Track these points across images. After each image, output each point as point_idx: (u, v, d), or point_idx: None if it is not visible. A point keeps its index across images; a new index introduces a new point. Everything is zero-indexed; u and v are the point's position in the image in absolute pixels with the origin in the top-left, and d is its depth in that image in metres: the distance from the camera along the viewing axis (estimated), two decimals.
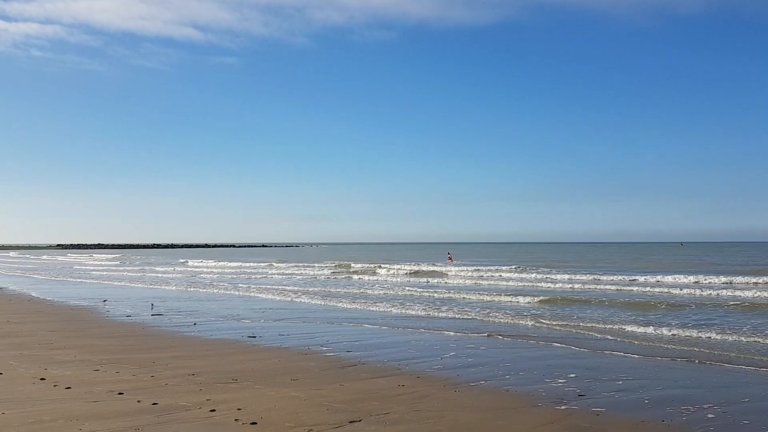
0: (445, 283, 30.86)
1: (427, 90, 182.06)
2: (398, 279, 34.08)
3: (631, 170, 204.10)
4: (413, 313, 17.97)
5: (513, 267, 41.61)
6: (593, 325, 15.09)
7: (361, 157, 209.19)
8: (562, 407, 7.47)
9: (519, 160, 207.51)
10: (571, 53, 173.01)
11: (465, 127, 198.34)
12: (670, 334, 13.52)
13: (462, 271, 39.28)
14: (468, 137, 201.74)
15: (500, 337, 13.48)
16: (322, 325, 15.64)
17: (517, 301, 20.33)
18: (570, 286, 26.34)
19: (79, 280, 36.74)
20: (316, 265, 50.54)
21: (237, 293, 25.73)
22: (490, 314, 17.38)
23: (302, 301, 21.97)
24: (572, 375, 9.33)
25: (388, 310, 18.75)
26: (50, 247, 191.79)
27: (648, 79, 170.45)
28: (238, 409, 7.15)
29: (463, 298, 22.09)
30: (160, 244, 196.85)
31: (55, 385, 8.33)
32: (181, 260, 67.08)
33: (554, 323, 15.35)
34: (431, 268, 41.96)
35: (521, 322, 15.80)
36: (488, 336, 13.61)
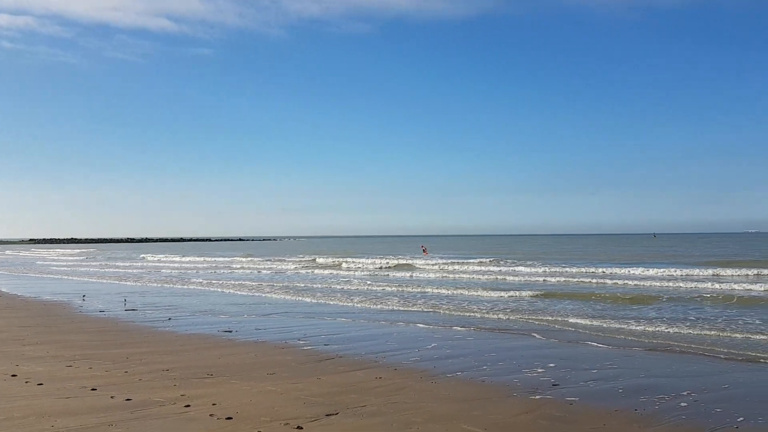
0: (411, 276, 30.53)
1: (405, 83, 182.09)
2: (365, 273, 33.62)
3: (606, 163, 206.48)
4: (386, 307, 18.01)
5: (488, 260, 41.73)
6: (568, 317, 15.25)
7: (340, 150, 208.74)
8: (537, 397, 7.54)
9: (498, 153, 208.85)
10: (550, 46, 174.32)
11: (444, 120, 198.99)
12: (643, 326, 13.69)
13: (435, 264, 39.49)
14: (447, 130, 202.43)
15: (476, 329, 13.56)
16: (300, 319, 15.59)
17: (491, 295, 20.21)
18: (545, 279, 26.49)
19: (38, 275, 36.15)
20: (286, 259, 50.35)
21: (202, 288, 25.56)
22: (465, 307, 17.48)
23: (268, 296, 21.88)
24: (547, 365, 9.42)
25: (359, 304, 18.75)
26: (22, 241, 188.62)
27: (625, 72, 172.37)
28: (213, 404, 7.10)
29: (437, 291, 22.03)
30: (134, 239, 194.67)
31: (26, 382, 8.21)
32: (143, 255, 66.06)
33: (529, 316, 15.48)
34: (402, 262, 41.69)
35: (495, 315, 15.91)
36: (464, 328, 13.69)
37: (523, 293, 20.30)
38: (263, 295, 22.12)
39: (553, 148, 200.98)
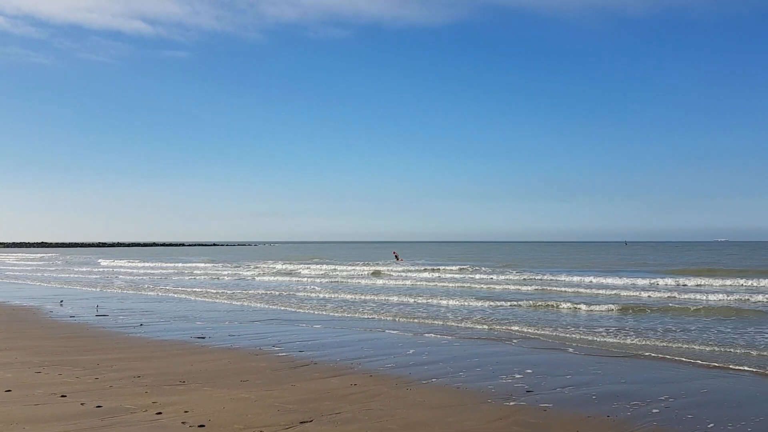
0: (382, 284, 29.91)
1: (382, 88, 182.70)
2: (329, 281, 32.89)
3: (578, 171, 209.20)
4: (362, 316, 17.98)
5: (460, 267, 41.51)
6: (542, 327, 15.35)
7: (318, 154, 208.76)
8: (511, 403, 7.57)
9: (470, 159, 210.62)
10: (523, 55, 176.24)
11: (418, 125, 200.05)
12: (617, 335, 13.84)
13: (407, 270, 39.56)
14: (422, 134, 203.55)
15: (452, 336, 13.59)
16: (274, 325, 15.48)
17: (469, 304, 20.10)
18: (519, 287, 26.62)
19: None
20: (251, 264, 50.00)
21: (155, 294, 25.28)
22: (440, 315, 17.52)
23: (222, 302, 21.73)
24: (522, 372, 9.46)
25: (332, 312, 18.69)
26: None
27: (596, 81, 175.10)
28: (186, 412, 7.00)
29: (412, 300, 22.00)
30: (105, 243, 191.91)
31: None
32: (99, 260, 65.03)
33: (502, 327, 15.56)
34: (375, 268, 41.37)
35: (471, 324, 15.96)
36: (440, 336, 13.71)
37: (500, 302, 20.35)
38: (215, 301, 21.93)
39: (525, 155, 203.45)
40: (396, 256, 61.23)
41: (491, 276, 33.37)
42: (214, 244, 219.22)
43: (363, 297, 22.60)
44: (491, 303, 20.02)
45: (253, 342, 12.57)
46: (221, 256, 78.09)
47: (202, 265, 50.96)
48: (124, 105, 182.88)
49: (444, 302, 20.44)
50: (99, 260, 65.01)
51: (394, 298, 21.76)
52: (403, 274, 36.75)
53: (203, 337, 13.20)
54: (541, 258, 65.22)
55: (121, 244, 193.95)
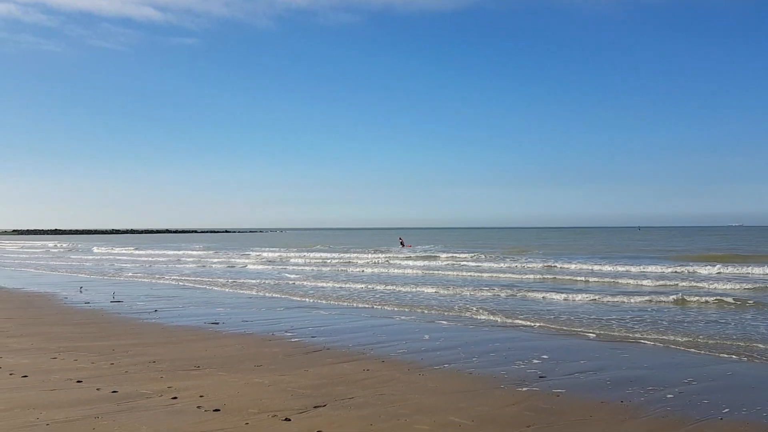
0: (361, 271, 29.74)
1: (392, 74, 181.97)
2: (325, 268, 32.51)
3: (591, 156, 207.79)
4: (374, 306, 18.01)
5: (473, 254, 40.96)
6: (555, 312, 15.33)
7: (330, 142, 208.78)
8: (524, 389, 7.58)
9: (482, 146, 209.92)
10: (537, 40, 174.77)
11: (430, 112, 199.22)
12: (632, 323, 13.80)
13: (415, 256, 39.56)
14: (433, 122, 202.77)
15: (463, 324, 13.60)
16: (288, 311, 15.56)
17: (484, 294, 19.39)
18: (533, 275, 26.35)
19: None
20: (252, 252, 49.94)
21: (145, 280, 25.47)
22: (451, 304, 17.52)
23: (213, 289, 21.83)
24: (535, 358, 9.46)
25: (345, 303, 18.72)
26: (5, 232, 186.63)
27: (612, 66, 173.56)
28: (201, 396, 7.07)
29: (423, 290, 21.87)
30: (119, 230, 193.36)
31: (11, 374, 8.12)
32: (94, 248, 65.26)
33: (515, 314, 15.54)
34: (380, 256, 40.93)
35: (487, 316, 15.95)
36: (452, 323, 13.73)
37: (513, 290, 20.19)
38: (224, 290, 22.05)
39: (537, 141, 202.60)
40: (402, 242, 61.16)
41: (503, 263, 33.16)
42: (226, 231, 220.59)
43: (370, 286, 22.39)
44: (505, 291, 19.93)
45: (266, 328, 12.65)
46: (224, 243, 78.43)
47: (196, 252, 51.33)
48: (135, 92, 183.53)
49: (455, 291, 20.18)
50: (94, 248, 65.32)
51: (402, 288, 21.23)
52: (411, 262, 35.81)
53: (217, 323, 13.28)
54: (555, 244, 64.98)
55: (134, 231, 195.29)
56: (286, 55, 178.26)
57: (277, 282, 23.72)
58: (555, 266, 30.01)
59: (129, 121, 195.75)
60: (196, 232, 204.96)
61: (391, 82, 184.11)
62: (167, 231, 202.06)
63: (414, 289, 20.60)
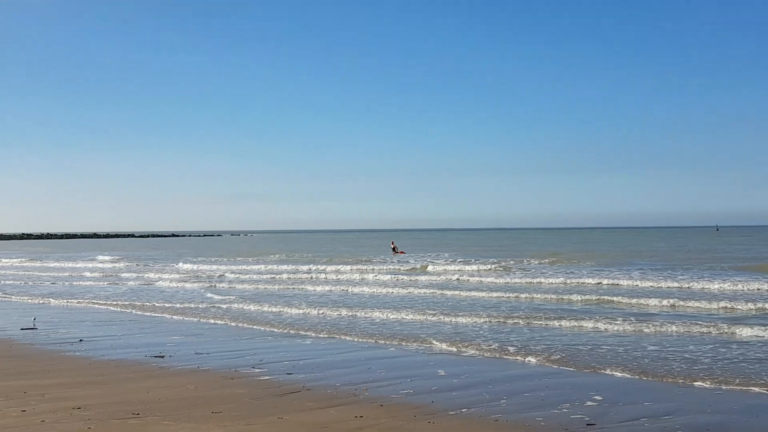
0: (328, 291, 29.92)
1: (390, 36, 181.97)
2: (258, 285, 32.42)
3: (649, 136, 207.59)
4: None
5: (491, 265, 40.29)
6: (600, 341, 15.37)
7: (312, 119, 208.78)
8: None
9: (507, 124, 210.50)
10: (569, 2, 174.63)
11: (438, 81, 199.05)
12: (709, 358, 13.83)
13: (398, 272, 39.37)
14: (441, 93, 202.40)
15: (486, 355, 13.62)
16: (253, 341, 15.62)
17: (506, 322, 18.81)
18: (579, 296, 25.15)
19: None
20: (178, 264, 49.69)
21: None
22: (468, 333, 17.55)
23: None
24: (582, 399, 9.46)
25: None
26: None
27: (671, 27, 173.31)
28: None
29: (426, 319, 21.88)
30: (31, 234, 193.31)
31: None
32: None
33: (548, 341, 15.58)
34: (332, 268, 40.98)
35: (516, 347, 15.99)
36: (471, 351, 13.75)
37: (553, 318, 20.06)
38: (172, 317, 22.06)
39: (566, 118, 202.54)
40: (394, 248, 61.00)
41: (538, 278, 32.34)
42: (173, 235, 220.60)
43: (342, 311, 22.47)
44: (544, 316, 19.91)
45: (226, 362, 12.64)
46: (158, 251, 78.24)
47: (104, 265, 51.66)
48: (58, 57, 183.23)
49: (473, 320, 19.80)
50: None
51: (394, 315, 20.68)
52: (407, 277, 35.05)
53: (162, 356, 13.31)
54: (602, 250, 64.89)
55: (52, 235, 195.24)
56: (258, 5, 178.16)
57: (198, 306, 23.86)
58: (618, 284, 28.82)
59: (51, 94, 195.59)
60: (133, 236, 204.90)
61: (388, 45, 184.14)
62: (95, 235, 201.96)
63: (403, 316, 20.59)
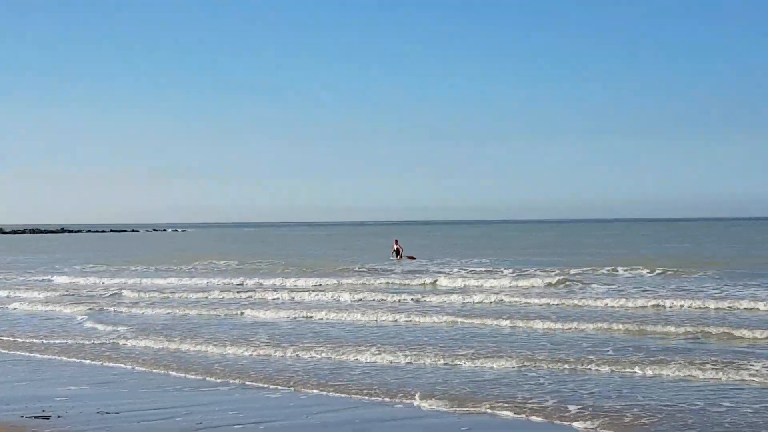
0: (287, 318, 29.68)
1: None
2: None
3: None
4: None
5: (550, 280, 39.38)
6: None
7: (273, 63, 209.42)
8: None
9: (542, 74, 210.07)
10: None
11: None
12: None
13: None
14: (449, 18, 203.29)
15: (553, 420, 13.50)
16: (184, 394, 15.69)
17: (585, 369, 18.19)
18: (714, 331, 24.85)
19: None
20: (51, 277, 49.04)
21: None
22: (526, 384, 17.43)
23: None
24: None
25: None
26: None
27: None
28: None
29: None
30: None
31: None
32: None
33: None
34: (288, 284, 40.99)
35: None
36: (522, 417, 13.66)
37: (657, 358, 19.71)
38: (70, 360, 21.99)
39: (643, 64, 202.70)
40: (397, 250, 59.03)
41: (621, 297, 32.09)
42: (63, 230, 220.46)
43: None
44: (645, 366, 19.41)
45: (147, 425, 12.65)
46: (6, 258, 77.76)
47: None
48: None
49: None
50: None
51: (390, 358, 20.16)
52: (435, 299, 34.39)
53: (48, 417, 13.27)
54: (698, 252, 64.49)
55: None
56: None
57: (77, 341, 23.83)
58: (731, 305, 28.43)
59: None
60: (3, 232, 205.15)
61: None
62: None
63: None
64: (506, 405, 14.11)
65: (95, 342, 23.31)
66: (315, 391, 15.90)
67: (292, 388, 16.23)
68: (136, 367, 18.89)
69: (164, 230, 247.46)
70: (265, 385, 16.53)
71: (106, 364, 19.50)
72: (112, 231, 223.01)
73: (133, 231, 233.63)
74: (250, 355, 20.80)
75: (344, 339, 23.00)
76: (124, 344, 22.80)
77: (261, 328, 25.72)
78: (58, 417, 13.24)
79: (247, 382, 16.87)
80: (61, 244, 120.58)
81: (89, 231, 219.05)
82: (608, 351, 19.57)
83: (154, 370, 18.46)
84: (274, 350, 21.21)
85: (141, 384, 16.62)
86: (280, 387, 16.37)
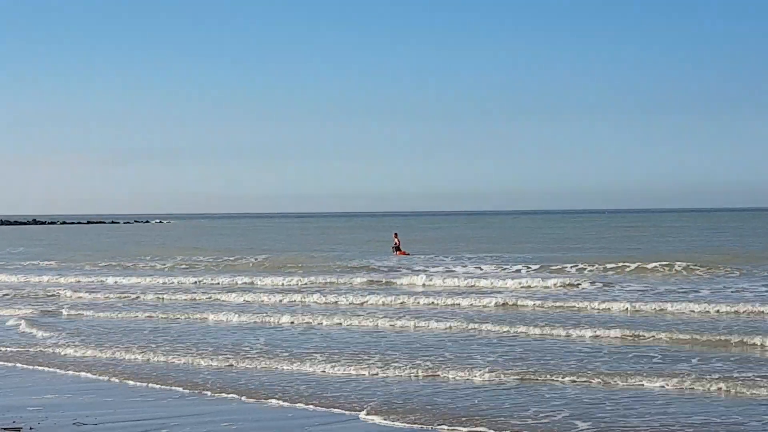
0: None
1: None
2: None
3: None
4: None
5: (572, 276, 38.70)
6: None
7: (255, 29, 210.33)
8: None
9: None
10: None
11: None
12: None
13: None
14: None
15: None
16: (169, 404, 15.47)
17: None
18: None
19: None
20: None
21: None
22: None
23: None
24: None
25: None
26: None
27: None
28: None
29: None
30: None
31: None
32: None
33: None
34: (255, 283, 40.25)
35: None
36: None
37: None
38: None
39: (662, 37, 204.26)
40: (397, 245, 59.60)
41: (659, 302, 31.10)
42: (34, 221, 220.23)
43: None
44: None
45: None
46: None
47: None
48: None
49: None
50: None
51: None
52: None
53: (19, 429, 13.06)
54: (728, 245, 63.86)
55: None
56: None
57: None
58: None
59: None
60: None
61: None
62: None
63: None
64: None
65: (30, 350, 22.30)
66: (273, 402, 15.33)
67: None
68: (113, 379, 18.28)
69: (146, 222, 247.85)
70: (228, 394, 16.03)
71: (83, 373, 18.95)
72: (89, 222, 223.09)
73: (112, 222, 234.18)
74: (219, 366, 19.65)
75: (315, 345, 21.98)
76: (59, 352, 21.82)
77: (234, 334, 24.75)
78: (30, 429, 13.00)
79: (231, 395, 16.15)
80: (21, 238, 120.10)
81: (64, 222, 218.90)
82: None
83: (137, 384, 17.73)
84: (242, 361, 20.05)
85: (123, 393, 16.37)
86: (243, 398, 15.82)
